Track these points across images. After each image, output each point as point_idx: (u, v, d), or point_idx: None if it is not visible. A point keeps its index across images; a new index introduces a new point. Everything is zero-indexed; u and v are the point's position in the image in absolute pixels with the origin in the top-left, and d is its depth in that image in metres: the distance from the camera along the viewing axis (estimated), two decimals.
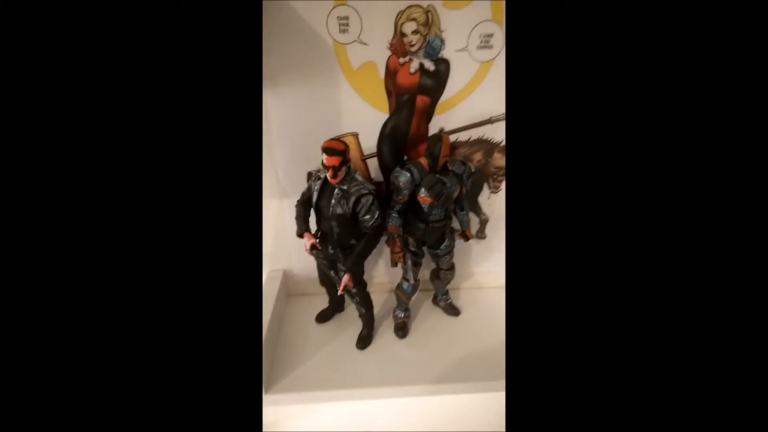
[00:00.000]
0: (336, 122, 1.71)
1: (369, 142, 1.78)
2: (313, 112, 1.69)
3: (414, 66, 1.60)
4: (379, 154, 1.80)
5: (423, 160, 1.64)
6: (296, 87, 1.63)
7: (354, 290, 1.74)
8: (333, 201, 1.52)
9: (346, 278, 1.58)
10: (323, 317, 2.07)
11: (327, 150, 1.42)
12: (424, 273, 2.06)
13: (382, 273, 2.21)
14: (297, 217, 1.67)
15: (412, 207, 1.71)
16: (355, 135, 1.75)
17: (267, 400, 1.72)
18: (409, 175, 1.60)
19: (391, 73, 1.62)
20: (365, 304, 1.84)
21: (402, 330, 1.98)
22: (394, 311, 2.03)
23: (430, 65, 1.61)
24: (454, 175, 1.67)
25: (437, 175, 1.62)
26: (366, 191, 1.51)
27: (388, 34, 1.54)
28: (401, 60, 1.59)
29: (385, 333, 2.03)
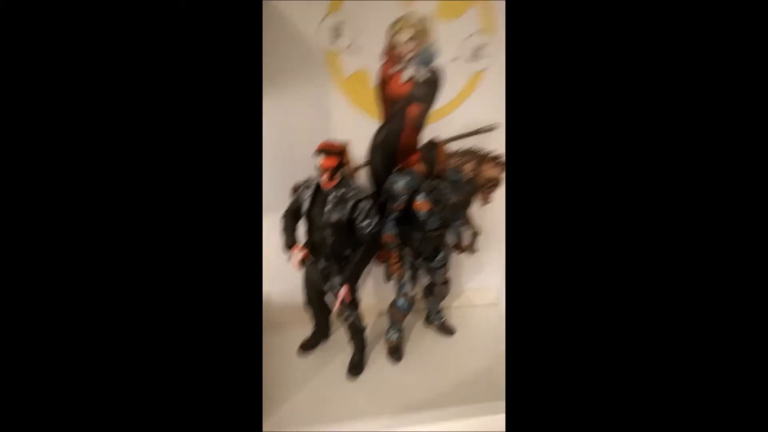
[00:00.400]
0: (325, 131, 1.64)
1: (359, 152, 1.72)
2: (301, 121, 1.62)
3: (407, 74, 1.59)
4: (370, 164, 1.74)
5: (418, 167, 1.59)
6: (284, 94, 1.56)
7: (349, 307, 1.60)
8: (328, 206, 1.41)
9: (343, 291, 1.45)
10: (308, 346, 1.88)
11: (324, 150, 1.34)
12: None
13: (370, 294, 2.08)
14: (284, 229, 1.53)
15: (407, 216, 1.64)
16: (346, 145, 1.68)
17: None
18: (407, 180, 1.54)
19: (383, 82, 1.60)
20: (357, 324, 1.70)
21: (397, 353, 1.84)
22: (387, 333, 1.89)
23: (423, 74, 1.61)
24: (449, 182, 1.63)
25: (434, 181, 1.57)
26: (364, 195, 1.42)
27: (382, 42, 1.53)
28: (394, 68, 1.58)
29: (377, 358, 1.87)
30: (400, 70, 1.58)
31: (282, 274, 1.93)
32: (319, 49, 1.51)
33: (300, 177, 1.66)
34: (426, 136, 1.73)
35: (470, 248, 2.08)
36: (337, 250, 1.48)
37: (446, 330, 2.01)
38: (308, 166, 1.59)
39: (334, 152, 1.34)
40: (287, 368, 1.79)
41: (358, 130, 1.68)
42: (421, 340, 2.00)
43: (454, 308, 2.23)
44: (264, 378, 1.68)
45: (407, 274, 1.66)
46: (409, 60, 1.57)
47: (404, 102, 1.65)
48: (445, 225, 1.70)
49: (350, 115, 1.64)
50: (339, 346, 1.90)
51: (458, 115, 1.73)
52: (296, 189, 1.71)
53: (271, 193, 1.75)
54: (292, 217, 1.54)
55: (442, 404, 1.63)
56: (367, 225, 1.43)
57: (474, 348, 1.92)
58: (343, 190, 1.41)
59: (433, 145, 1.53)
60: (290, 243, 1.50)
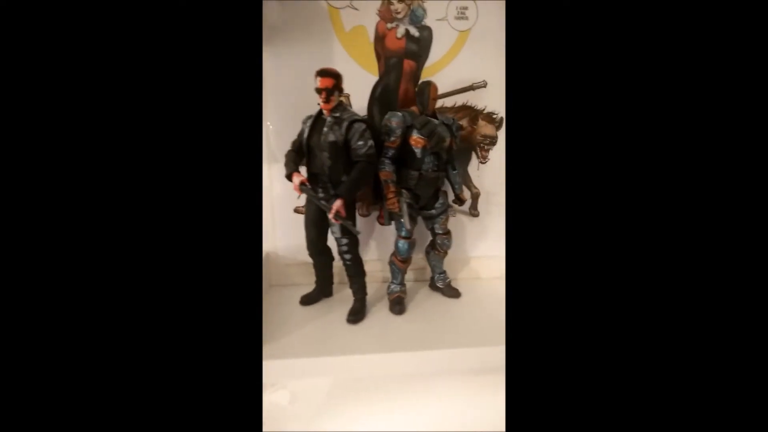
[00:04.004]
0: None
1: (360, 104, 1.85)
2: (307, 72, 1.78)
3: (400, 31, 1.79)
4: (370, 117, 1.86)
5: (414, 108, 1.70)
6: (293, 47, 1.75)
7: (345, 242, 1.60)
8: (325, 129, 1.51)
9: (338, 203, 1.47)
10: (308, 300, 1.84)
11: (320, 72, 1.47)
12: (418, 260, 1.94)
13: (374, 258, 2.06)
14: (287, 162, 1.61)
15: (404, 157, 1.70)
16: (347, 96, 1.83)
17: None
18: (401, 115, 1.64)
19: (380, 38, 1.79)
20: (356, 265, 1.68)
21: (399, 305, 1.77)
22: (389, 286, 1.84)
23: (414, 31, 1.80)
24: (443, 123, 1.72)
25: (428, 118, 1.67)
26: (359, 118, 1.51)
27: (377, 2, 1.75)
28: (389, 25, 1.78)
29: (379, 312, 1.80)
30: (395, 27, 1.78)
31: (286, 231, 1.97)
32: (323, 5, 1.73)
33: None
34: None
35: (471, 212, 2.09)
36: (334, 174, 1.53)
37: (452, 292, 1.94)
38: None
39: (331, 74, 1.47)
40: (288, 316, 1.74)
41: (359, 85, 1.83)
42: (425, 301, 1.93)
43: (461, 280, 2.16)
44: (264, 324, 1.65)
45: (404, 210, 1.66)
46: (402, 18, 1.77)
47: (399, 57, 1.82)
48: (441, 168, 1.75)
49: (352, 68, 1.80)
50: (342, 303, 1.85)
51: (449, 72, 1.88)
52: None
53: (276, 145, 1.87)
54: (294, 150, 1.63)
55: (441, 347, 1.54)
56: (362, 146, 1.50)
57: (479, 318, 1.78)
58: (339, 113, 1.52)
59: (426, 84, 1.66)
60: (291, 170, 1.56)
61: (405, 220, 1.65)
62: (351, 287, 1.74)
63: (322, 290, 1.87)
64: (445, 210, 1.82)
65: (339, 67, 1.78)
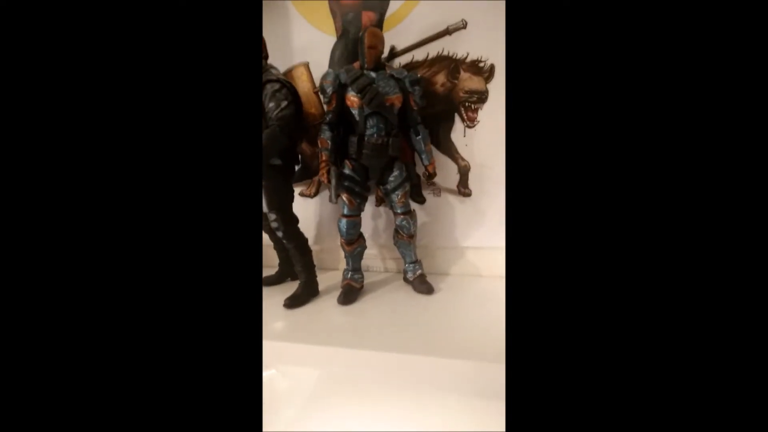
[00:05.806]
0: (288, 53, 1.70)
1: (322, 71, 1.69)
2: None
3: None
4: None
5: (356, 64, 1.46)
6: None
7: (273, 217, 1.47)
8: None
9: None
10: (268, 281, 1.77)
11: None
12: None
13: (375, 254, 1.85)
14: None
15: (346, 123, 1.47)
16: (306, 65, 1.70)
17: None
18: (333, 73, 1.42)
19: None
20: (294, 244, 1.52)
21: (345, 295, 1.53)
22: (343, 273, 1.62)
23: None
24: (391, 78, 1.42)
25: (363, 71, 1.40)
26: (273, 78, 1.37)
27: None
28: None
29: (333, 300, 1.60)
30: None
31: None
32: None
33: None
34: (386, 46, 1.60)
35: (460, 191, 1.68)
36: None
37: (423, 287, 1.58)
38: None
39: None
40: None
41: (319, 49, 1.68)
42: (387, 295, 1.62)
43: (455, 276, 1.76)
44: None
45: (334, 180, 1.42)
46: None
47: (357, 11, 1.59)
48: (390, 133, 1.44)
49: (309, 33, 1.67)
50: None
51: (418, 17, 1.55)
52: None
53: None
54: None
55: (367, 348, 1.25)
56: (273, 108, 1.35)
57: (434, 325, 1.36)
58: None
59: (363, 33, 1.39)
60: None
61: (331, 192, 1.42)
62: (295, 269, 1.59)
63: (284, 272, 1.78)
64: (402, 183, 1.50)
65: (299, 37, 1.68)
